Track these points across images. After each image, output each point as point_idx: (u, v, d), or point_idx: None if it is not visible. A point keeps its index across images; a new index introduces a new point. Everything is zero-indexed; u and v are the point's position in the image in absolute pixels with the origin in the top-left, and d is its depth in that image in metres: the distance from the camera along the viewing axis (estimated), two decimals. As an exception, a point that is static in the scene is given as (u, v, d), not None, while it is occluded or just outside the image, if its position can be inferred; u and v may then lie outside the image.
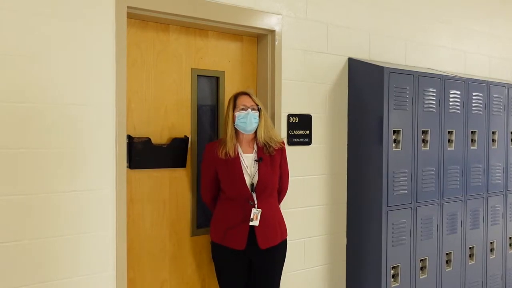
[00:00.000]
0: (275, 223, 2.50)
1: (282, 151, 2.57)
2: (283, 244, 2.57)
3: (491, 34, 4.33)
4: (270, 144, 2.50)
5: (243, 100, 2.47)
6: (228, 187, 2.45)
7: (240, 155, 2.46)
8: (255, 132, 2.50)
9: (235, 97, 2.51)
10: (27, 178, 2.09)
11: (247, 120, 2.43)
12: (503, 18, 4.45)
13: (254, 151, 2.50)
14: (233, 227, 2.42)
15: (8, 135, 2.05)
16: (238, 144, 2.48)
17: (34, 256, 2.12)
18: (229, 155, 2.42)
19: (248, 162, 2.47)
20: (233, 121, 2.46)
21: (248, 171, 2.45)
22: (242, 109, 2.45)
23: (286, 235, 2.59)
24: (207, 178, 2.52)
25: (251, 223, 2.39)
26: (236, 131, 2.48)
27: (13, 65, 2.06)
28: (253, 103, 2.48)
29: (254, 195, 2.41)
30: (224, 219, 2.47)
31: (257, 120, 2.46)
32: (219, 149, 2.45)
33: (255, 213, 2.40)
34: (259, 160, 2.46)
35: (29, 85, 2.09)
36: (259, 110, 2.48)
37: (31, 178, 2.10)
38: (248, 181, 2.43)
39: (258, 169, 2.45)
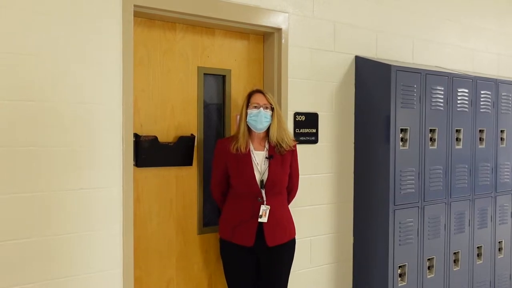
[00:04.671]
0: (283, 221, 2.51)
1: (293, 152, 2.58)
2: (291, 243, 2.57)
3: (500, 32, 4.29)
4: (282, 145, 2.50)
5: (257, 98, 2.48)
6: (238, 183, 2.47)
7: (251, 152, 2.48)
8: (268, 131, 2.50)
9: (250, 94, 2.52)
10: (35, 176, 2.10)
11: (257, 118, 2.44)
12: (511, 15, 4.42)
13: (265, 149, 2.51)
14: (242, 224, 2.43)
15: (16, 133, 2.06)
16: (250, 141, 2.50)
17: (41, 253, 2.13)
18: (240, 150, 2.45)
19: (259, 159, 2.48)
20: (246, 118, 2.47)
21: (259, 167, 2.47)
22: (255, 107, 2.46)
23: (295, 234, 2.59)
24: (218, 174, 2.55)
25: (259, 220, 2.41)
26: (249, 128, 2.50)
27: (22, 64, 2.07)
28: (266, 102, 2.48)
29: (263, 191, 2.42)
30: (233, 215, 2.48)
31: (268, 119, 2.47)
32: (231, 145, 2.47)
33: (264, 209, 2.41)
34: (269, 157, 2.47)
35: (36, 84, 2.10)
36: (272, 109, 2.48)
37: (39, 176, 2.11)
38: (258, 177, 2.44)
39: (269, 166, 2.46)
